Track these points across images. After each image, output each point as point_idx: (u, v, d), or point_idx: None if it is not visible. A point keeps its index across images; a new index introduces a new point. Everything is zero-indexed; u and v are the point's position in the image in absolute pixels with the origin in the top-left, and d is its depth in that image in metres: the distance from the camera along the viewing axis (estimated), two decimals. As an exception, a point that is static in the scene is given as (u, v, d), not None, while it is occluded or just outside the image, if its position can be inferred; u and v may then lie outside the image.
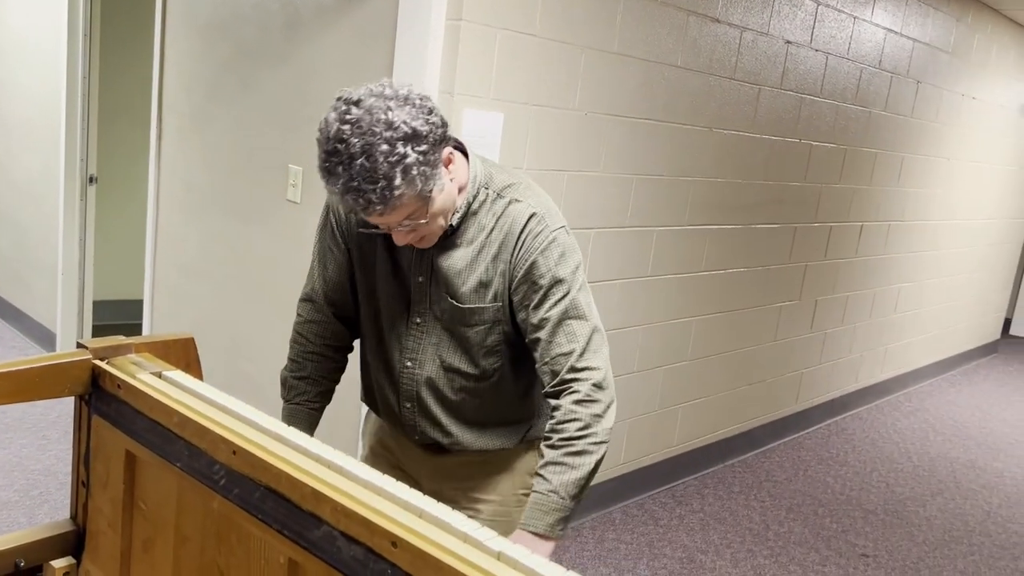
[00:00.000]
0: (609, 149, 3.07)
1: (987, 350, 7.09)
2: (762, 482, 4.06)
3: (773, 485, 4.04)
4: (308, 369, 1.72)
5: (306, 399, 1.72)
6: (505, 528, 1.66)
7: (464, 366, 1.59)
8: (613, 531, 3.39)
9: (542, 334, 1.48)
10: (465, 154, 1.54)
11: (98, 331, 4.64)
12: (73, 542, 1.39)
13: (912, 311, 5.55)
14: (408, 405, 1.64)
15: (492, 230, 1.51)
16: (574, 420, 1.43)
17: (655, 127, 3.22)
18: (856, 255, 4.74)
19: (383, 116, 1.31)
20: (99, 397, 1.32)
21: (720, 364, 3.98)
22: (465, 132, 2.56)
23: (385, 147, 1.30)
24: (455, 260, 1.53)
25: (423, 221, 1.42)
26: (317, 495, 1.01)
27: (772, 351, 4.31)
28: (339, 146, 1.32)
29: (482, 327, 1.55)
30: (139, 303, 3.93)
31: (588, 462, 1.43)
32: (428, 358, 1.60)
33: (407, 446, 1.73)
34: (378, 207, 1.35)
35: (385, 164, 1.30)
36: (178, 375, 1.32)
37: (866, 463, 4.47)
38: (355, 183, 1.32)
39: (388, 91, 1.36)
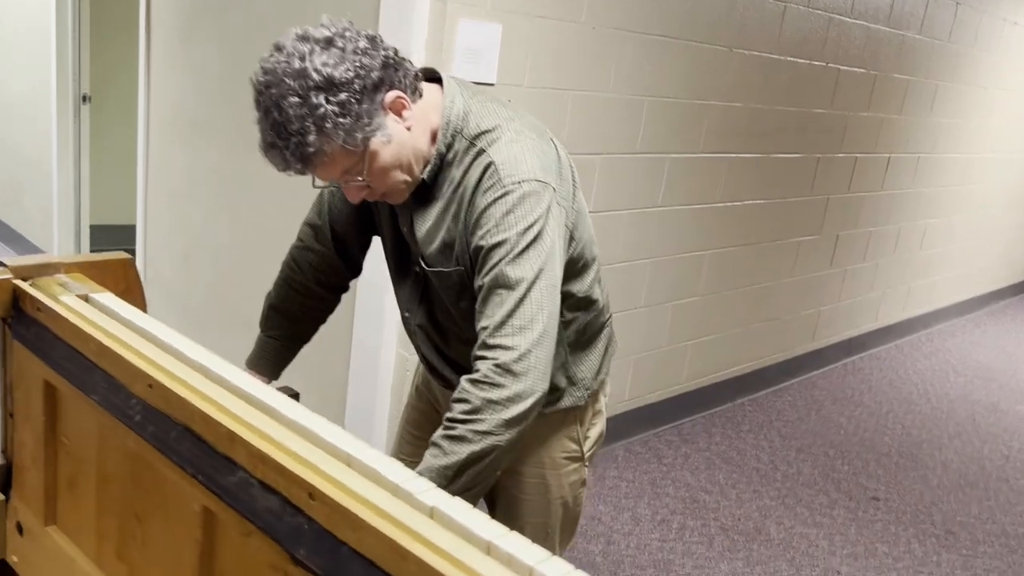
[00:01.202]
0: (619, 67, 2.86)
1: (1017, 289, 6.86)
2: (772, 421, 3.93)
3: (784, 425, 3.92)
4: (291, 302, 1.59)
5: (280, 334, 1.59)
6: (543, 493, 1.54)
7: (452, 327, 1.47)
8: (615, 468, 3.29)
9: (478, 304, 1.28)
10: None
11: (96, 256, 4.53)
12: (3, 476, 1.28)
13: (939, 248, 5.33)
14: (419, 355, 1.57)
15: (458, 186, 1.33)
16: (462, 401, 1.21)
17: (670, 45, 3.00)
18: (882, 188, 4.52)
19: (296, 64, 1.17)
20: (19, 320, 1.19)
21: (733, 300, 3.82)
22: (459, 46, 2.37)
23: (295, 99, 1.16)
24: (427, 217, 1.37)
25: (360, 179, 1.26)
26: (232, 437, 0.88)
27: (789, 287, 4.14)
28: (259, 98, 1.20)
29: (451, 291, 1.40)
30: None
31: (461, 451, 1.19)
32: (422, 312, 1.49)
33: (443, 390, 1.62)
34: (296, 165, 1.21)
35: (296, 118, 1.17)
36: (107, 298, 1.19)
37: (882, 404, 4.33)
38: (270, 139, 1.20)
39: (316, 32, 1.21)
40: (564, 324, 1.47)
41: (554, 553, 1.69)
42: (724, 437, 3.70)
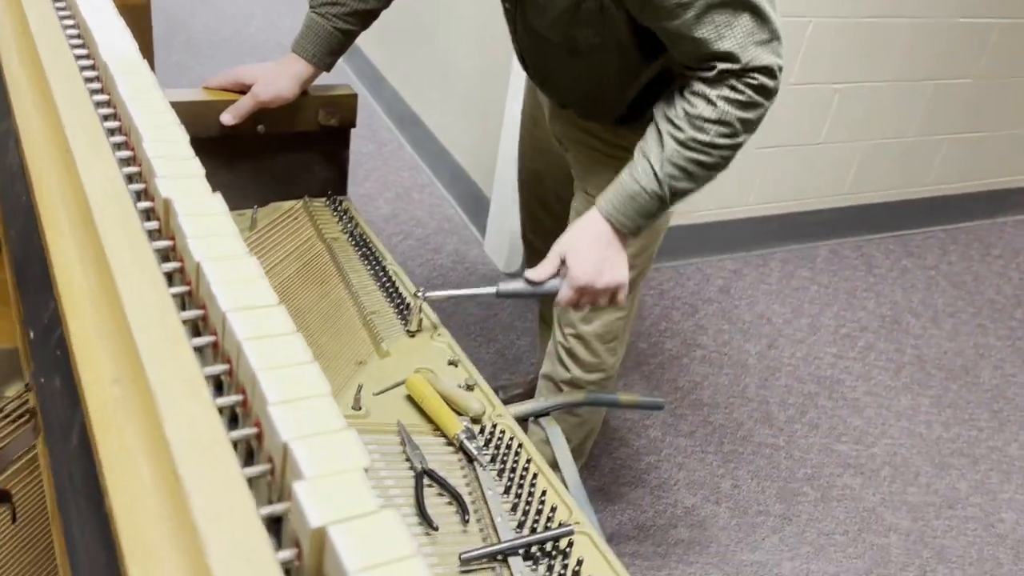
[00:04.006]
0: None
1: None
2: (1036, 251, 3.19)
3: (1050, 257, 3.17)
4: None
5: (335, 13, 1.31)
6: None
7: (550, 34, 1.19)
8: (809, 269, 2.82)
9: (690, 29, 1.05)
10: None
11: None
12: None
13: None
14: (516, 47, 1.34)
15: None
16: (721, 123, 1.08)
17: None
18: None
19: None
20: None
21: (1022, 91, 2.99)
22: None
23: None
24: None
25: None
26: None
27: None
28: None
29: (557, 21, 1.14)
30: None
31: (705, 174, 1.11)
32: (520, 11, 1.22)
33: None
34: None
35: None
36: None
37: None
38: None
39: None
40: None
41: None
42: (962, 258, 3.06)
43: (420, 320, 1.21)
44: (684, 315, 2.48)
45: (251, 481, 0.40)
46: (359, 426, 1.03)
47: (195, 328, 0.47)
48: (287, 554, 0.34)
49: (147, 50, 1.25)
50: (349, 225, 1.40)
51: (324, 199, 1.46)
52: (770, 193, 2.74)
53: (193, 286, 0.47)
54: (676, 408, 2.14)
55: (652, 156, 1.09)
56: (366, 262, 1.33)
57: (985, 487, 2.07)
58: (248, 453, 0.41)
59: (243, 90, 1.30)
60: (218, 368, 0.43)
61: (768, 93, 1.07)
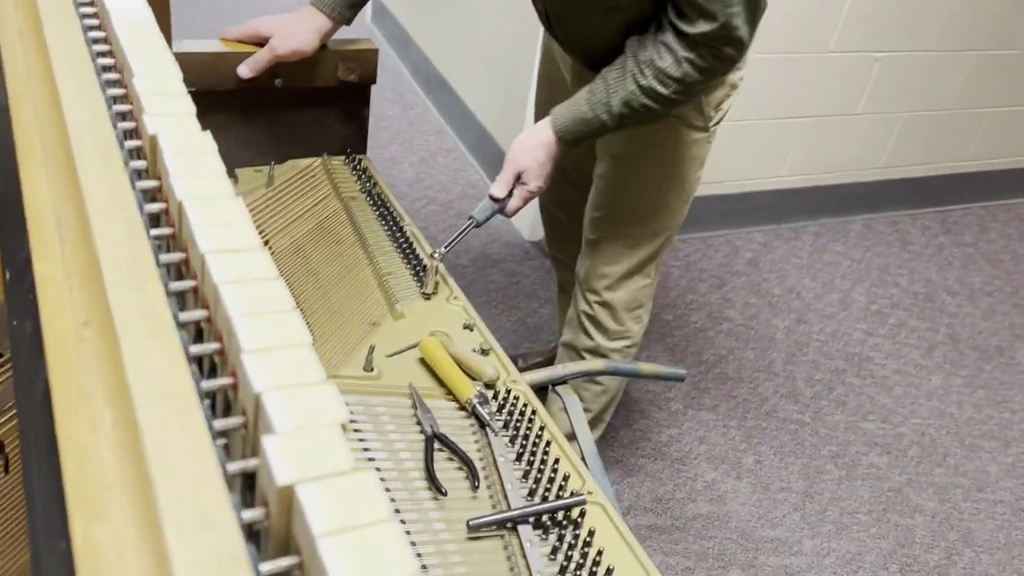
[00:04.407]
0: None
1: None
2: (1078, 230, 3.09)
3: (1093, 238, 3.07)
4: None
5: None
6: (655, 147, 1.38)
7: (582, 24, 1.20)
8: (842, 244, 2.75)
9: None
10: None
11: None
12: None
13: None
14: (539, 6, 1.31)
15: None
16: (674, 80, 1.11)
17: None
18: None
19: None
20: None
21: (1072, 64, 2.88)
22: None
23: None
24: None
25: None
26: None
27: None
28: None
29: None
30: None
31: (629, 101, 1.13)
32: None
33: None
34: None
35: None
36: None
37: None
38: None
39: None
40: None
41: (664, 221, 1.40)
42: (1002, 236, 2.97)
43: (436, 283, 1.18)
44: (711, 287, 2.44)
45: (227, 434, 0.37)
46: (370, 387, 1.01)
47: (178, 272, 0.44)
48: (255, 513, 0.31)
49: (163, 9, 1.22)
50: (368, 184, 1.37)
51: (343, 157, 1.43)
52: (804, 164, 2.67)
53: (176, 228, 0.44)
54: (700, 381, 2.10)
55: (612, 91, 1.13)
56: (383, 222, 1.30)
57: (1016, 471, 2.01)
58: (226, 405, 0.39)
59: (260, 42, 1.26)
60: (197, 314, 0.40)
61: (732, 64, 1.11)
